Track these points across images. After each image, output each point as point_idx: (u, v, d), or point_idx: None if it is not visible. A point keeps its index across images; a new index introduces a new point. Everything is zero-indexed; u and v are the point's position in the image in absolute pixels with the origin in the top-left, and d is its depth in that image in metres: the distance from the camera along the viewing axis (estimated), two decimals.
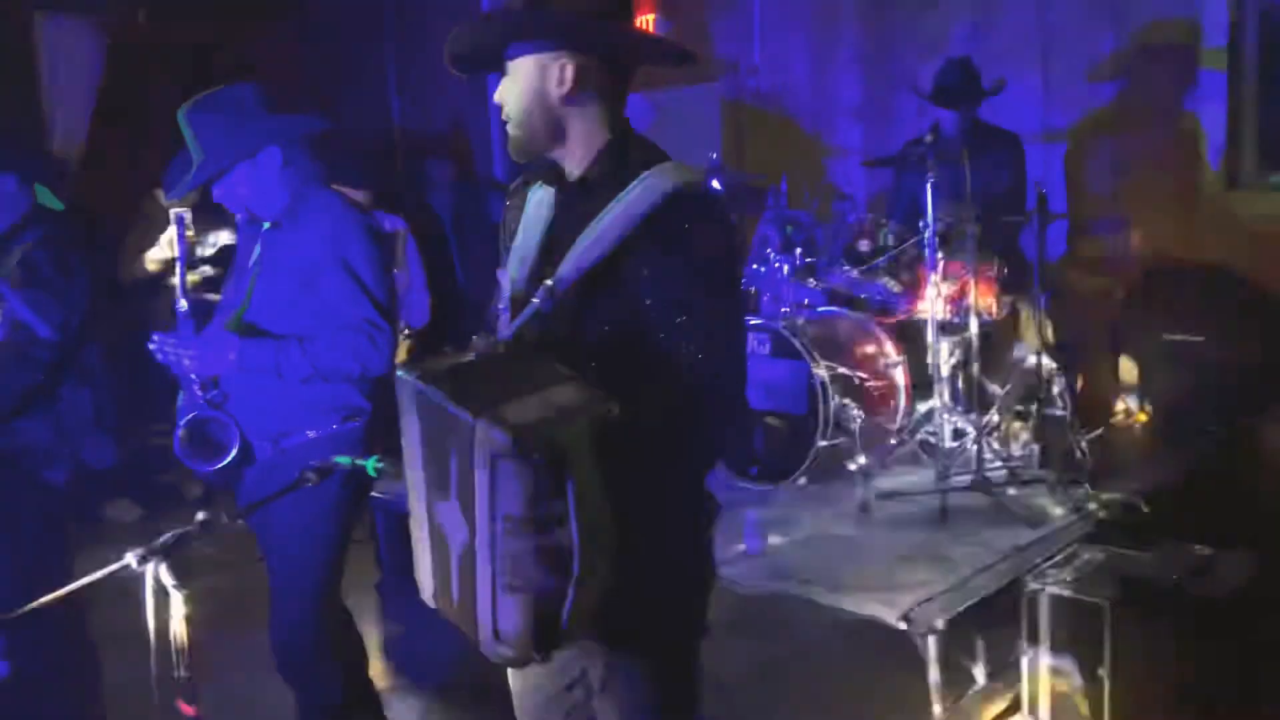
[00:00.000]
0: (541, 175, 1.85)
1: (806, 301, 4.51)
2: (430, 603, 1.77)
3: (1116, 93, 4.89)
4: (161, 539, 1.87)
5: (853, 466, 3.99)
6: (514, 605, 1.54)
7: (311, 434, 2.58)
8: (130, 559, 1.80)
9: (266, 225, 2.63)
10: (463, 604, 1.64)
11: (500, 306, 1.85)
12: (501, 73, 1.83)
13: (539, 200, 1.86)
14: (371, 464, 2.04)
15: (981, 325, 4.08)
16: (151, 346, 2.55)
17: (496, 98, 1.78)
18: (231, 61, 6.16)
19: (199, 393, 2.59)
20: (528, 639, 1.55)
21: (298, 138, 2.60)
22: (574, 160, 1.80)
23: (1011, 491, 3.94)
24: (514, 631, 1.55)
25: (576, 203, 1.78)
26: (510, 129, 1.77)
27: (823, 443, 4.08)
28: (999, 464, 4.06)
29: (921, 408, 4.26)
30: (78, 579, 2.84)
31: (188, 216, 2.72)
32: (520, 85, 1.74)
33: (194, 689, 1.87)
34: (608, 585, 1.55)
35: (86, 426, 2.82)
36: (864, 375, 4.26)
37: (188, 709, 1.89)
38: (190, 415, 2.58)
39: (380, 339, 2.51)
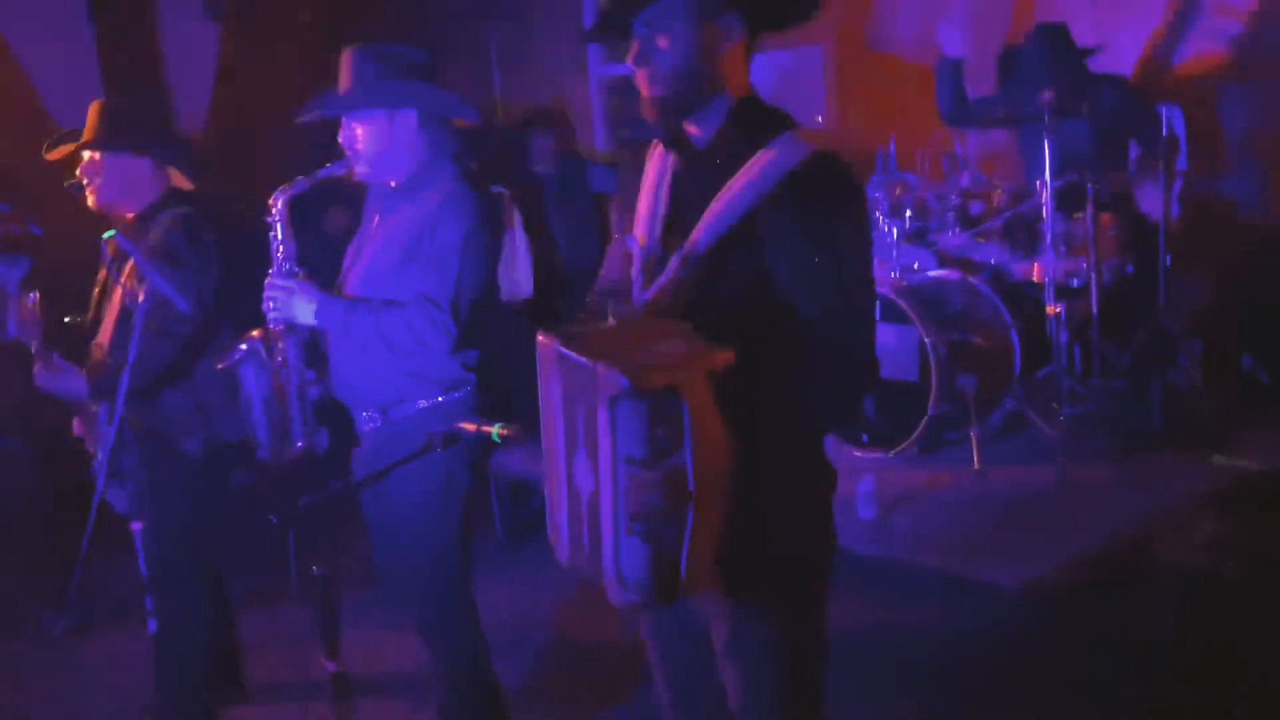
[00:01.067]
0: (664, 140, 1.86)
1: (916, 265, 4.43)
2: (565, 562, 1.81)
3: (1247, 37, 4.65)
4: (302, 503, 1.98)
5: (968, 434, 3.93)
6: (635, 548, 1.57)
7: (422, 404, 2.59)
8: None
9: (392, 188, 2.63)
10: (592, 554, 1.68)
11: (633, 272, 1.87)
12: (627, 36, 1.85)
13: (660, 167, 1.87)
14: (495, 431, 2.07)
15: (1103, 288, 3.96)
16: (265, 294, 2.60)
17: (637, 57, 1.77)
18: (337, 37, 6.30)
19: (295, 375, 2.65)
20: (649, 583, 1.57)
21: (438, 112, 2.60)
22: (703, 123, 1.80)
23: (1134, 459, 3.84)
24: (636, 575, 1.58)
25: (703, 167, 1.79)
26: (656, 89, 1.76)
27: (934, 410, 4.02)
28: (1121, 430, 3.96)
29: (1039, 374, 4.17)
30: (213, 544, 3.02)
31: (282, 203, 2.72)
32: (677, 42, 1.73)
33: (334, 645, 1.97)
34: (729, 534, 1.58)
35: (220, 399, 2.93)
36: (977, 340, 4.18)
37: (328, 665, 1.99)
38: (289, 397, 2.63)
39: (438, 319, 2.48)
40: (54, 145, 3.27)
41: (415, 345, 2.50)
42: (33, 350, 2.87)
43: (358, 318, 2.52)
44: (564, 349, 1.65)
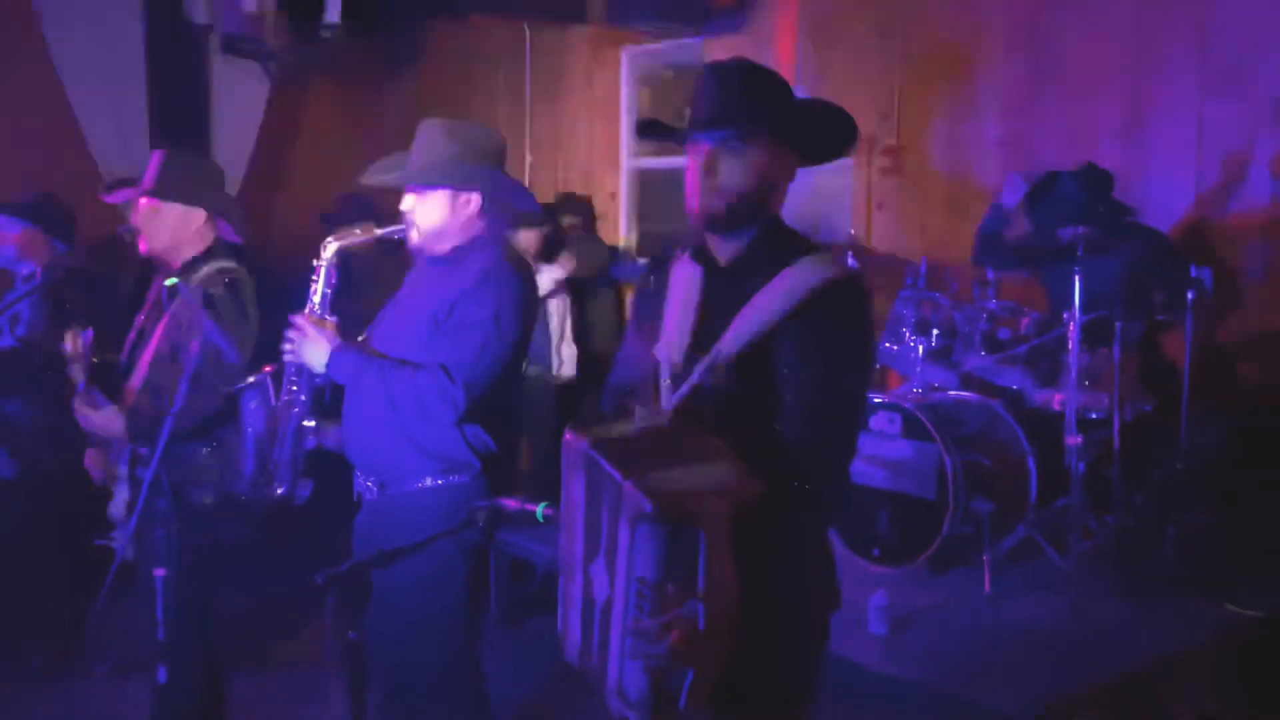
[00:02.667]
0: (692, 251, 1.96)
1: (938, 384, 4.50)
2: (573, 660, 1.83)
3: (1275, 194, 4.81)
4: (343, 568, 1.98)
5: (980, 558, 3.94)
6: (638, 668, 1.60)
7: (422, 483, 2.56)
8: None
9: (436, 259, 2.65)
10: (599, 659, 1.71)
11: (661, 378, 1.93)
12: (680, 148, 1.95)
13: (687, 278, 1.95)
14: (540, 510, 2.08)
15: (1123, 425, 4.02)
16: (287, 332, 2.59)
17: (705, 168, 1.85)
18: (368, 110, 6.49)
19: (295, 419, 2.64)
20: (647, 705, 1.60)
21: (503, 199, 2.67)
22: (732, 240, 1.90)
23: (1147, 599, 3.85)
24: (635, 694, 1.61)
25: (728, 282, 1.89)
26: (716, 202, 1.86)
27: (949, 530, 4.04)
28: (1134, 568, 3.97)
29: (1055, 504, 4.20)
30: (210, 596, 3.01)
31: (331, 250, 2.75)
32: (749, 167, 1.84)
33: (361, 709, 1.96)
34: (729, 667, 1.60)
35: (234, 455, 2.94)
36: (994, 464, 4.22)
37: None
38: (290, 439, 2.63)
39: (447, 390, 2.45)
40: (111, 189, 3.37)
41: (419, 411, 2.48)
42: (77, 385, 2.90)
43: (368, 370, 2.53)
44: (593, 451, 1.68)
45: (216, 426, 2.94)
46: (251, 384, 2.69)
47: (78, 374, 2.92)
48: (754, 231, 1.88)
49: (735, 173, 1.84)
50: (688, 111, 1.94)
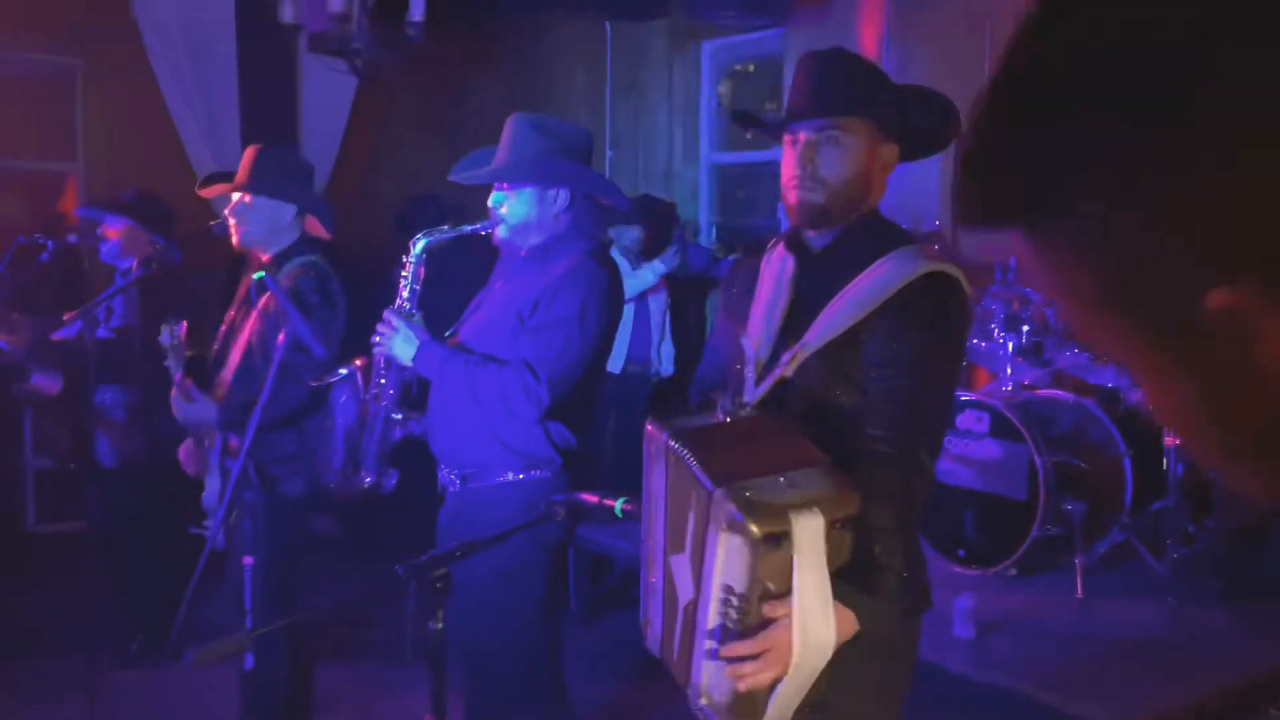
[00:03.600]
0: (786, 242, 1.93)
1: (1028, 381, 4.39)
2: (653, 650, 1.82)
3: None
4: (423, 559, 2.01)
5: (1072, 561, 3.84)
6: (722, 674, 1.57)
7: (503, 477, 2.57)
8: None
9: (522, 254, 2.67)
10: (681, 657, 1.68)
11: (745, 369, 1.89)
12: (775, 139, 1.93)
13: (778, 268, 1.92)
14: (619, 505, 2.07)
15: None
16: (377, 326, 2.61)
17: (802, 159, 1.83)
18: (450, 107, 6.58)
19: (383, 412, 2.66)
20: (730, 710, 1.58)
21: (590, 195, 2.67)
22: (825, 232, 1.87)
23: (1250, 607, 3.71)
24: (718, 699, 1.59)
25: (820, 271, 1.85)
26: (814, 194, 1.83)
27: (1038, 533, 3.94)
28: (1235, 575, 3.83)
29: (1152, 507, 4.07)
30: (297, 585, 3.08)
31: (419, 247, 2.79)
32: (849, 157, 1.82)
33: (441, 702, 1.99)
34: (817, 678, 1.55)
35: (324, 444, 3.00)
36: (1087, 465, 4.10)
37: None
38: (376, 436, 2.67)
39: (531, 387, 2.45)
40: (207, 184, 3.45)
41: (502, 406, 2.50)
42: (174, 378, 2.99)
43: (453, 366, 2.54)
44: (676, 444, 1.66)
45: (305, 418, 3.00)
46: (342, 377, 2.73)
47: (174, 366, 3.00)
48: (850, 222, 1.85)
49: (834, 164, 1.81)
50: (769, 104, 1.92)
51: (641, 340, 5.34)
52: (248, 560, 2.77)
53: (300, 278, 3.03)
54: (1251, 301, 0.46)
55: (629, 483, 2.04)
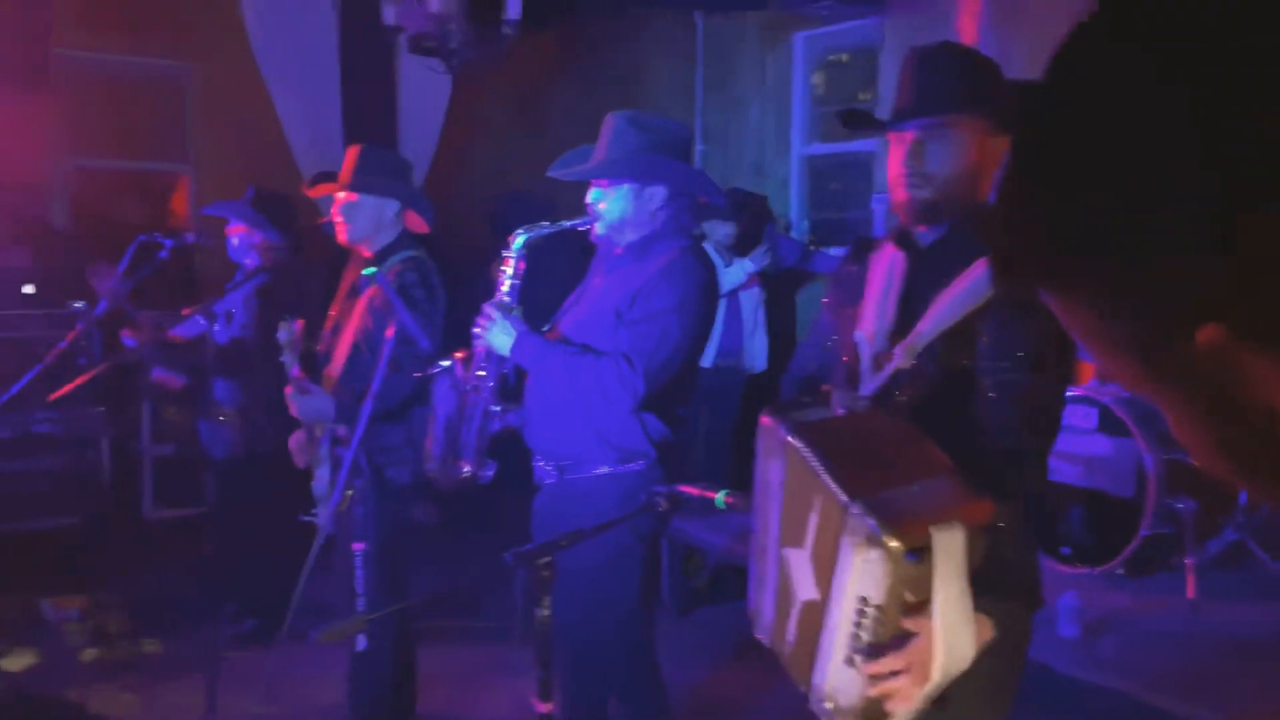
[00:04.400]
0: (894, 238, 1.94)
1: None
2: (763, 639, 1.81)
3: None
4: (531, 547, 2.05)
5: (1182, 561, 3.73)
6: (854, 680, 1.56)
7: (599, 470, 2.61)
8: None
9: (619, 250, 2.70)
10: (796, 654, 1.68)
11: (861, 367, 1.91)
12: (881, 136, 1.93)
13: (889, 264, 1.93)
14: (720, 497, 2.08)
15: None
16: (477, 318, 2.67)
17: (910, 156, 1.83)
18: (543, 104, 6.67)
19: (482, 403, 2.71)
20: (861, 714, 1.57)
21: (688, 191, 2.69)
22: (934, 228, 1.87)
23: None
24: (845, 704, 1.58)
25: (930, 266, 1.85)
26: (923, 190, 1.83)
27: (1147, 531, 3.84)
28: None
29: (1265, 506, 3.93)
30: (404, 570, 3.17)
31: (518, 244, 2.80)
32: (958, 153, 1.81)
33: (548, 686, 2.03)
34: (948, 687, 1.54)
35: (425, 435, 3.07)
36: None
37: (540, 706, 2.04)
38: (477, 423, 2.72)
39: (628, 378, 2.49)
40: (314, 184, 3.57)
41: (599, 398, 2.53)
42: (290, 372, 3.09)
43: (551, 356, 2.59)
44: (796, 439, 1.64)
45: (411, 408, 3.08)
46: (443, 369, 2.80)
47: (289, 361, 3.10)
48: (960, 217, 1.84)
49: (943, 160, 1.81)
50: (863, 95, 1.92)
51: (732, 335, 5.34)
52: (358, 546, 2.86)
53: (405, 273, 3.12)
54: (1231, 341, 0.52)
55: (720, 477, 2.06)
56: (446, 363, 2.79)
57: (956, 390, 1.76)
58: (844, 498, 1.51)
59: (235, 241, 4.33)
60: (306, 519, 3.15)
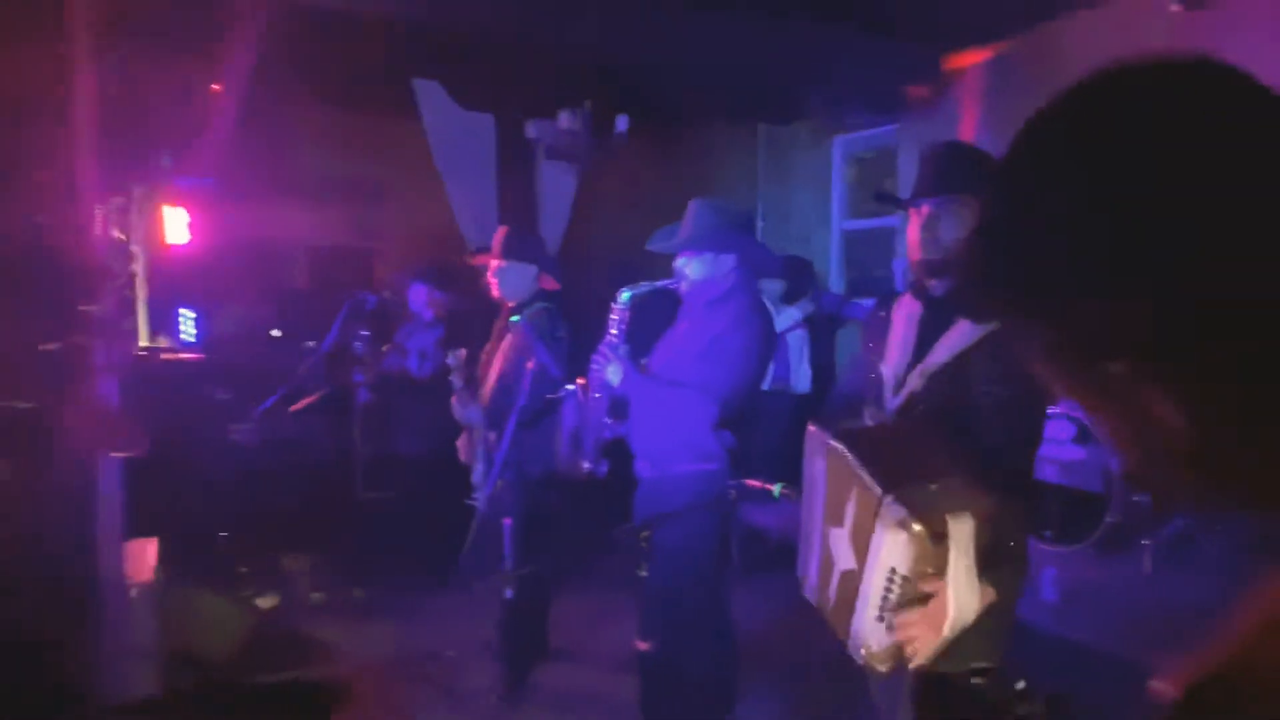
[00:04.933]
0: (912, 290, 1.94)
1: None
2: (809, 597, 1.83)
3: None
4: (632, 525, 2.10)
5: (1140, 542, 3.59)
6: (884, 632, 1.57)
7: (685, 468, 2.62)
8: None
9: (701, 304, 2.71)
10: (837, 610, 1.69)
11: (886, 390, 1.91)
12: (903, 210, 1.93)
13: (908, 310, 1.93)
14: (778, 489, 2.09)
15: None
16: (594, 355, 2.70)
17: (925, 227, 1.83)
18: (644, 193, 6.77)
19: (597, 418, 2.74)
20: (888, 657, 1.58)
21: (751, 257, 2.72)
22: (943, 281, 1.87)
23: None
24: (879, 649, 1.59)
25: (940, 312, 1.85)
26: (933, 254, 1.84)
27: (1111, 519, 3.71)
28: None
29: None
30: (541, 540, 3.23)
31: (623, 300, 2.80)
32: (962, 222, 1.81)
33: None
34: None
35: (556, 440, 3.13)
36: None
37: (642, 645, 2.06)
38: (597, 435, 2.77)
39: (706, 404, 2.50)
40: (474, 254, 3.70)
41: (684, 418, 2.56)
42: (456, 387, 3.20)
43: (649, 387, 2.62)
44: (836, 442, 1.66)
45: (543, 420, 3.15)
46: (568, 392, 2.86)
47: (456, 380, 3.21)
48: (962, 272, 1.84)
49: (951, 228, 1.81)
50: (886, 182, 1.92)
51: (782, 365, 5.32)
52: (507, 521, 2.93)
53: (541, 319, 3.20)
54: (1134, 372, 0.52)
55: (776, 475, 2.08)
56: (571, 387, 2.86)
57: (959, 407, 1.75)
58: (879, 490, 1.53)
59: (416, 299, 4.49)
60: (469, 503, 3.24)
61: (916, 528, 1.46)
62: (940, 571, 1.48)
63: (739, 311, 2.62)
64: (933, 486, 1.51)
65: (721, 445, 2.62)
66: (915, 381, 1.79)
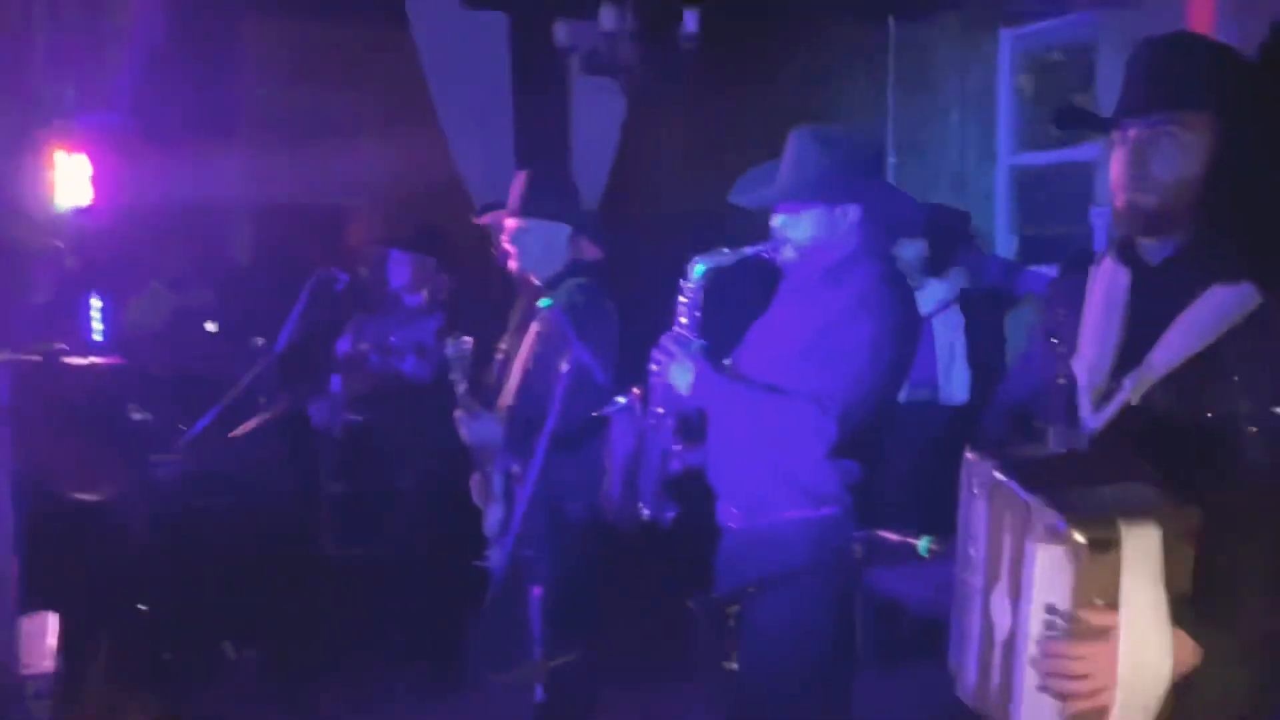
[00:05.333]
0: (1117, 253, 1.88)
1: None
2: (968, 699, 1.80)
3: None
4: (717, 594, 2.09)
5: None
6: (1048, 707, 1.55)
7: (789, 514, 2.60)
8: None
9: (811, 277, 2.69)
10: (999, 698, 1.67)
11: (1082, 399, 1.86)
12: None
13: (1110, 283, 1.88)
14: (924, 544, 2.06)
15: None
16: (654, 352, 2.68)
17: (1133, 160, 1.79)
18: (723, 121, 6.76)
19: (661, 442, 2.73)
20: None
21: (882, 209, 2.67)
22: (1164, 241, 1.81)
23: None
24: None
25: (1160, 287, 1.79)
26: (1150, 197, 1.78)
27: None
28: None
29: None
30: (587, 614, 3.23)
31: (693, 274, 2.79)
32: (1190, 154, 1.76)
33: None
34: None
35: (603, 473, 3.13)
36: None
37: None
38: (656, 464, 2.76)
39: (820, 421, 2.47)
40: (483, 212, 3.74)
41: (788, 441, 2.53)
42: (459, 390, 3.22)
43: (734, 397, 2.59)
44: (1001, 474, 1.65)
45: (584, 442, 3.15)
46: (620, 406, 2.84)
47: (459, 378, 3.22)
48: (1194, 229, 1.78)
49: (1173, 162, 1.75)
50: (1079, 98, 1.89)
51: (926, 364, 5.23)
52: (535, 590, 2.94)
53: (575, 300, 3.19)
54: None
55: (919, 521, 2.05)
56: (623, 400, 2.84)
57: (1205, 429, 1.69)
58: (1025, 495, 1.54)
59: (400, 278, 4.52)
60: (479, 564, 3.26)
61: (1075, 535, 1.45)
62: (1112, 601, 1.47)
63: (865, 288, 2.59)
64: (1103, 490, 1.52)
65: (842, 480, 2.60)
66: (1128, 390, 1.75)
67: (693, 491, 2.85)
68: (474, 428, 3.26)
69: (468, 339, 3.25)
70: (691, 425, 2.81)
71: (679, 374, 2.65)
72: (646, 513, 2.83)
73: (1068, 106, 2.04)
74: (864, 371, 2.52)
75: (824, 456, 2.54)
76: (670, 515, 2.86)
